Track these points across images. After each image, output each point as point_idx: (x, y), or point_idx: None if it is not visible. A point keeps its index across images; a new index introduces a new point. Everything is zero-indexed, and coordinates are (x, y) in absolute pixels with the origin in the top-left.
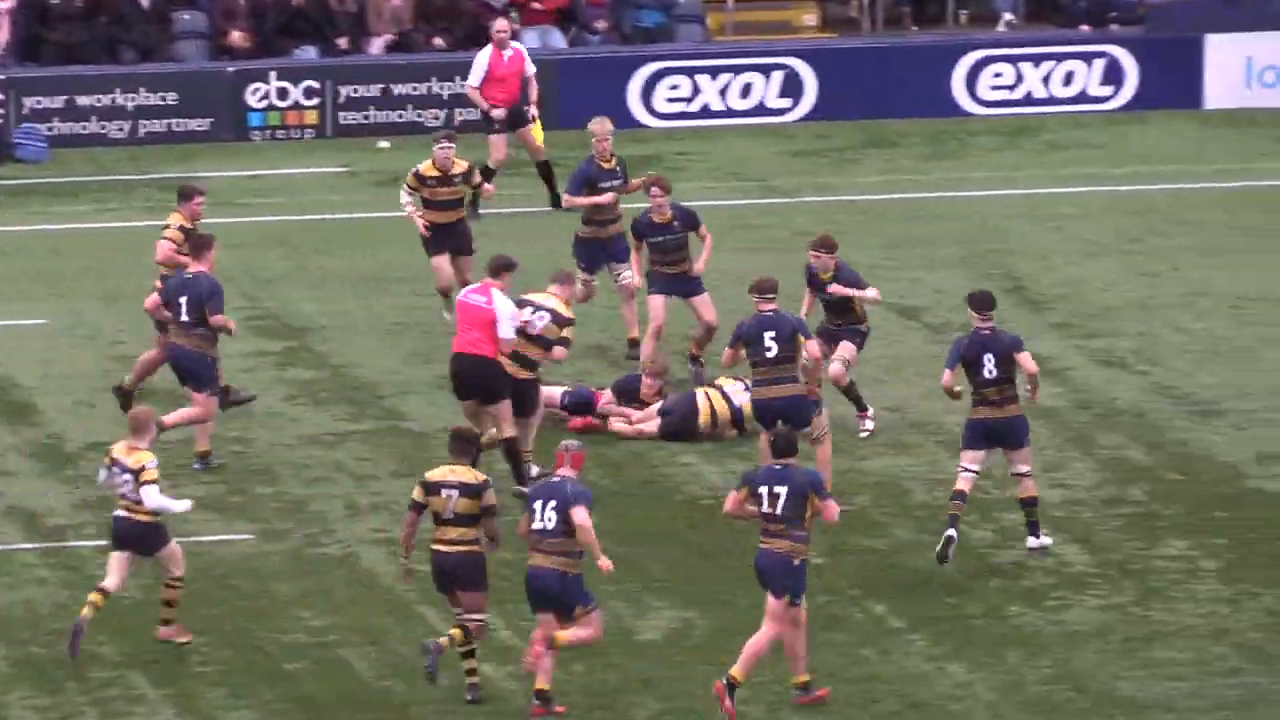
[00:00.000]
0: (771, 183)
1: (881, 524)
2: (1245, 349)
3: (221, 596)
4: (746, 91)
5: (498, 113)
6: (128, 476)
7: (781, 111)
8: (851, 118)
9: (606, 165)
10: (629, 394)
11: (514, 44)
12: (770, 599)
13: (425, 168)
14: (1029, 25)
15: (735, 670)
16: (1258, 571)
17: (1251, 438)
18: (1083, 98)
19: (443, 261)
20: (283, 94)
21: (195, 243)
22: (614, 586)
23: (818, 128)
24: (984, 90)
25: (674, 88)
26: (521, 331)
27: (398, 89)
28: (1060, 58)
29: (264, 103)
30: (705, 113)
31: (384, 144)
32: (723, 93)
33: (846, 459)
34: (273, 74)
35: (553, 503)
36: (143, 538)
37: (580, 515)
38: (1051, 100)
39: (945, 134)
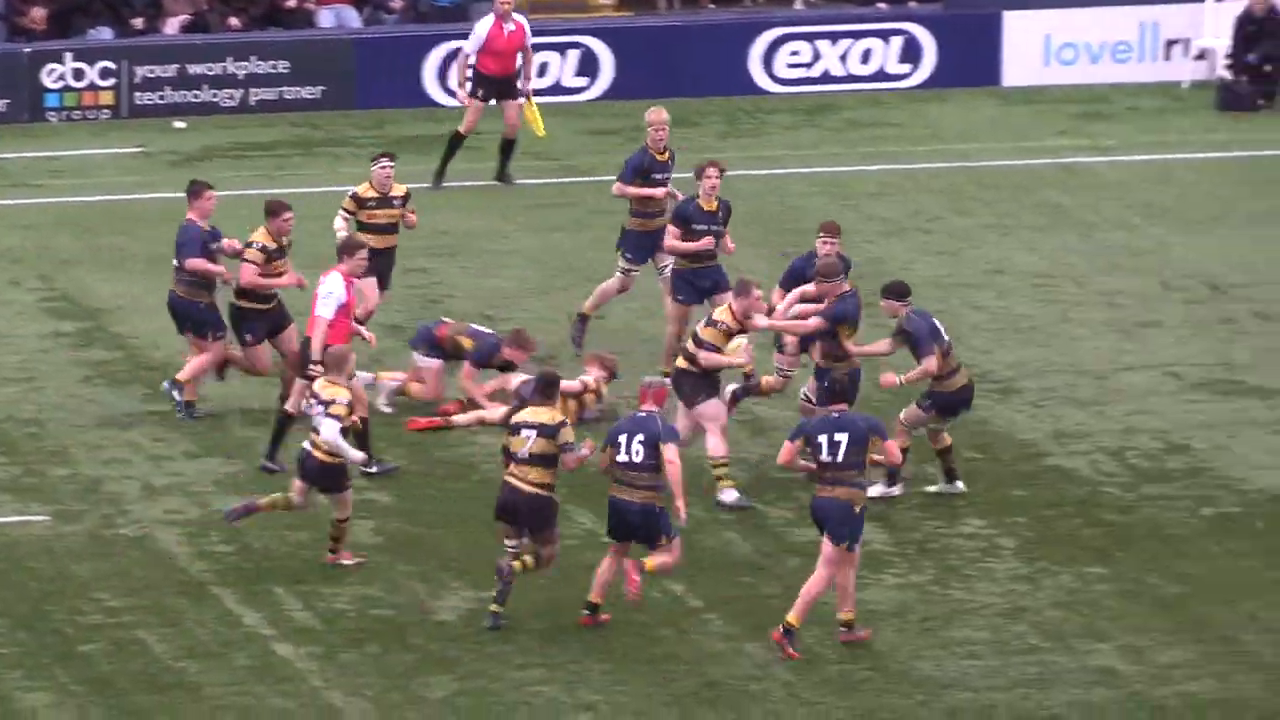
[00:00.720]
0: (568, 162)
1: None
2: (1044, 327)
3: (17, 578)
4: (543, 71)
5: (463, 91)
6: (319, 408)
7: (578, 90)
8: (649, 96)
9: (661, 157)
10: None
11: (516, 17)
12: (826, 544)
13: (363, 190)
14: (826, 3)
15: (791, 616)
16: (1056, 550)
17: (1050, 415)
18: (881, 76)
19: (369, 286)
20: (78, 75)
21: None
22: (411, 567)
23: (615, 107)
24: (781, 69)
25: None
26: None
27: (194, 69)
28: (858, 35)
29: (60, 84)
30: None
31: (180, 124)
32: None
33: None
34: (68, 55)
35: (640, 436)
36: (323, 475)
37: (671, 452)
38: (850, 78)
39: (743, 112)
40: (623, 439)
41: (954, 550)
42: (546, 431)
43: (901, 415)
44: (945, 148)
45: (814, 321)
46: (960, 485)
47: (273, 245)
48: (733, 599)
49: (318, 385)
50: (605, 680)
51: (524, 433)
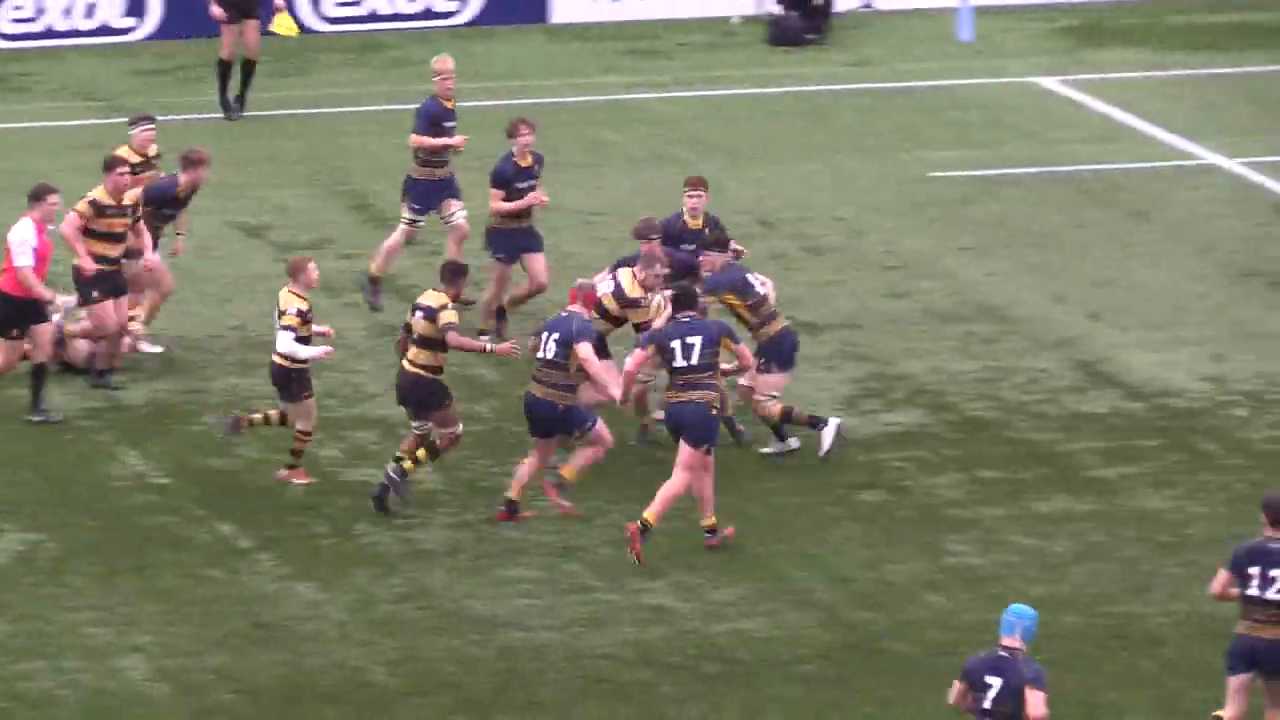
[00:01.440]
0: (118, 103)
1: (227, 444)
2: (591, 264)
3: None
4: (91, 11)
5: (216, 10)
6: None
7: (126, 30)
8: (197, 36)
9: (449, 104)
10: None
11: None
12: (684, 449)
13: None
14: None
15: (649, 513)
16: (608, 488)
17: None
18: (429, 14)
19: None
20: None
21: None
22: None
23: (163, 46)
24: (329, 7)
25: (18, 7)
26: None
27: None
28: None
29: None
30: (50, 33)
31: None
32: (67, 12)
33: (193, 379)
34: None
35: (556, 334)
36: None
37: (584, 350)
38: (397, 16)
39: (290, 51)
40: (544, 335)
41: (505, 489)
42: (429, 314)
43: (744, 384)
44: (494, 85)
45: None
46: (794, 443)
47: (109, 202)
48: (283, 539)
49: (281, 293)
50: (156, 621)
51: (416, 314)
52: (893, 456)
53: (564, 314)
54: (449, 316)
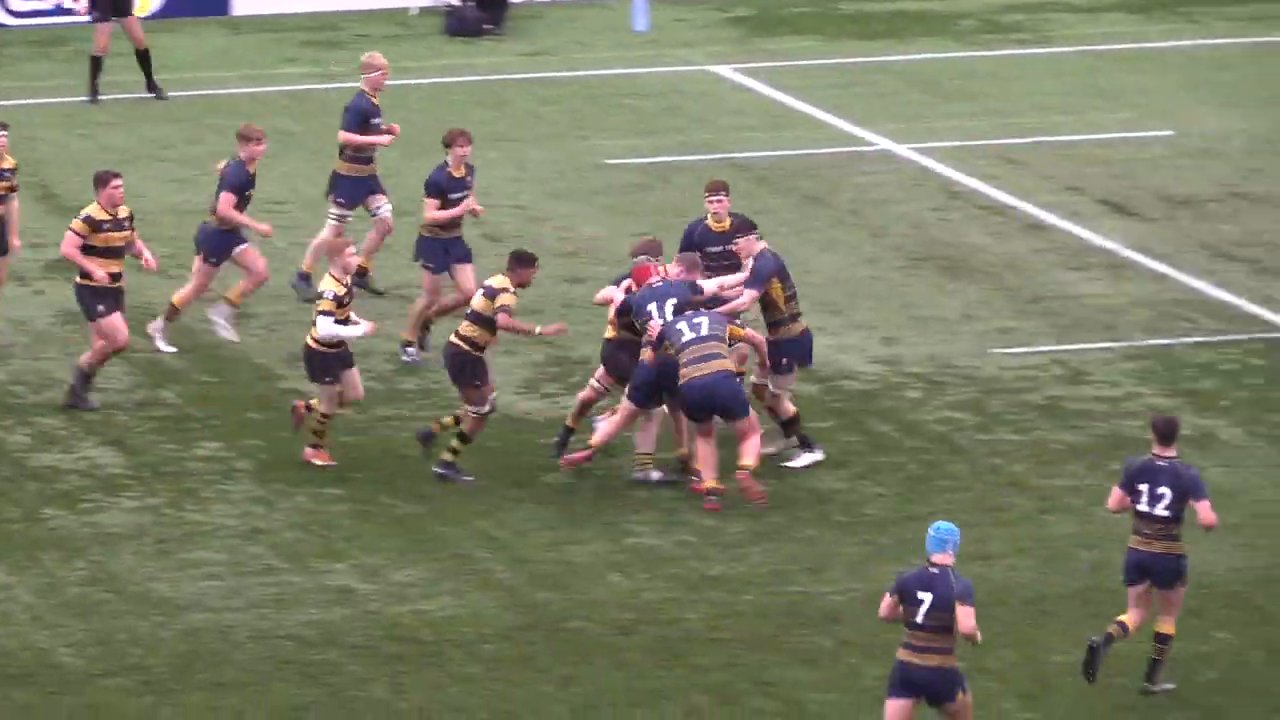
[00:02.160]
0: None
1: None
2: (279, 252)
3: None
4: None
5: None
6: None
7: None
8: None
9: (378, 101)
10: None
11: None
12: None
13: None
14: None
15: (710, 482)
16: (292, 472)
17: (283, 339)
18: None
19: None
20: None
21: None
22: None
23: None
24: (16, 1)
25: None
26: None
27: None
28: None
29: None
30: None
31: None
32: None
33: None
34: None
35: (672, 300)
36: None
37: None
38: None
39: None
40: (652, 307)
41: (190, 473)
42: (489, 292)
43: (756, 381)
44: (175, 77)
45: (748, 295)
46: (819, 454)
47: (104, 217)
48: None
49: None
50: None
51: (479, 292)
52: (574, 439)
53: (662, 283)
54: (505, 299)
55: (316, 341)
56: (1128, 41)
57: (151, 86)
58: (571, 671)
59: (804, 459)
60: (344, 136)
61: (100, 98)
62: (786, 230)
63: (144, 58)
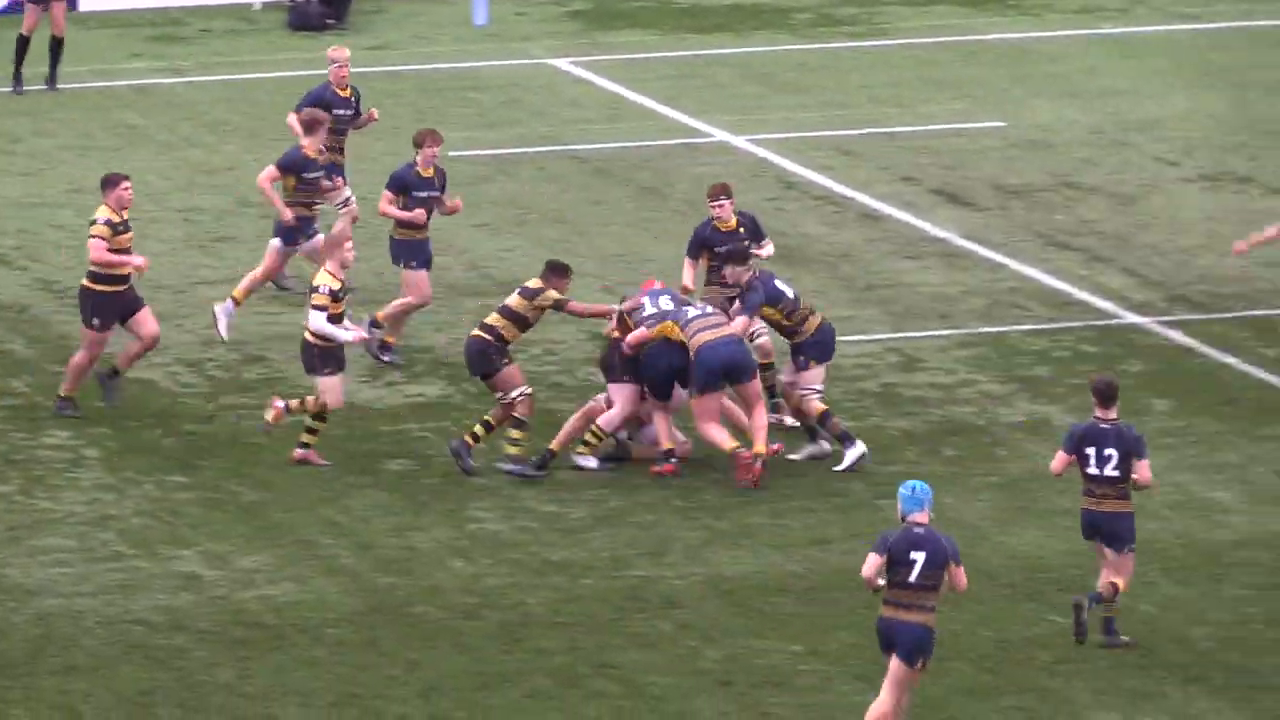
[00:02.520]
0: None
1: None
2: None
3: None
4: None
5: None
6: None
7: None
8: None
9: (344, 93)
10: None
11: None
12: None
13: None
14: None
15: (759, 446)
16: (140, 459)
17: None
18: None
19: None
20: None
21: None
22: None
23: None
24: None
25: None
26: None
27: None
28: None
29: None
30: None
31: None
32: None
33: None
34: None
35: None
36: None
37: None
38: None
39: None
40: (645, 299)
41: (39, 461)
42: (526, 293)
43: (786, 380)
44: (27, 71)
45: (740, 323)
46: (826, 446)
47: (117, 219)
48: None
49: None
50: None
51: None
52: (416, 427)
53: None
54: (554, 295)
55: (315, 335)
56: (959, 34)
57: (52, 79)
58: (415, 655)
59: (849, 457)
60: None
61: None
62: (624, 221)
63: (57, 47)
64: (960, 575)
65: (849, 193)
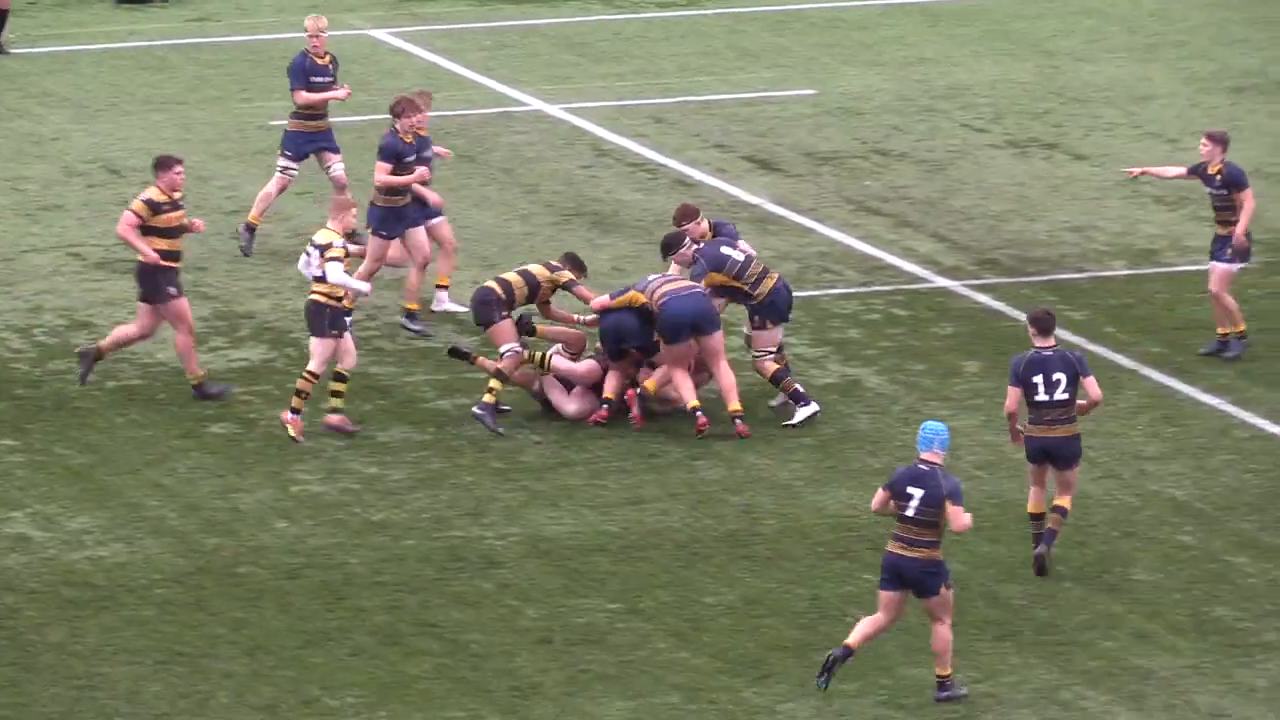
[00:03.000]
0: None
1: None
2: None
3: None
4: None
5: None
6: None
7: None
8: None
9: (321, 60)
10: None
11: None
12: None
13: None
14: None
15: (735, 405)
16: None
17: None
18: None
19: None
20: None
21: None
22: None
23: None
24: None
25: None
26: None
27: None
28: None
29: None
30: None
31: None
32: None
33: None
34: None
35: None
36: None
37: None
38: None
39: None
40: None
41: None
42: (553, 268)
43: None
44: None
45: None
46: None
47: (164, 199)
48: None
49: (318, 234)
50: None
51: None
52: (240, 390)
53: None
54: (569, 275)
55: (324, 294)
56: (770, 4)
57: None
58: (242, 614)
59: (799, 414)
60: (300, 97)
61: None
62: (443, 187)
63: (1, 16)
64: (957, 515)
65: (662, 160)
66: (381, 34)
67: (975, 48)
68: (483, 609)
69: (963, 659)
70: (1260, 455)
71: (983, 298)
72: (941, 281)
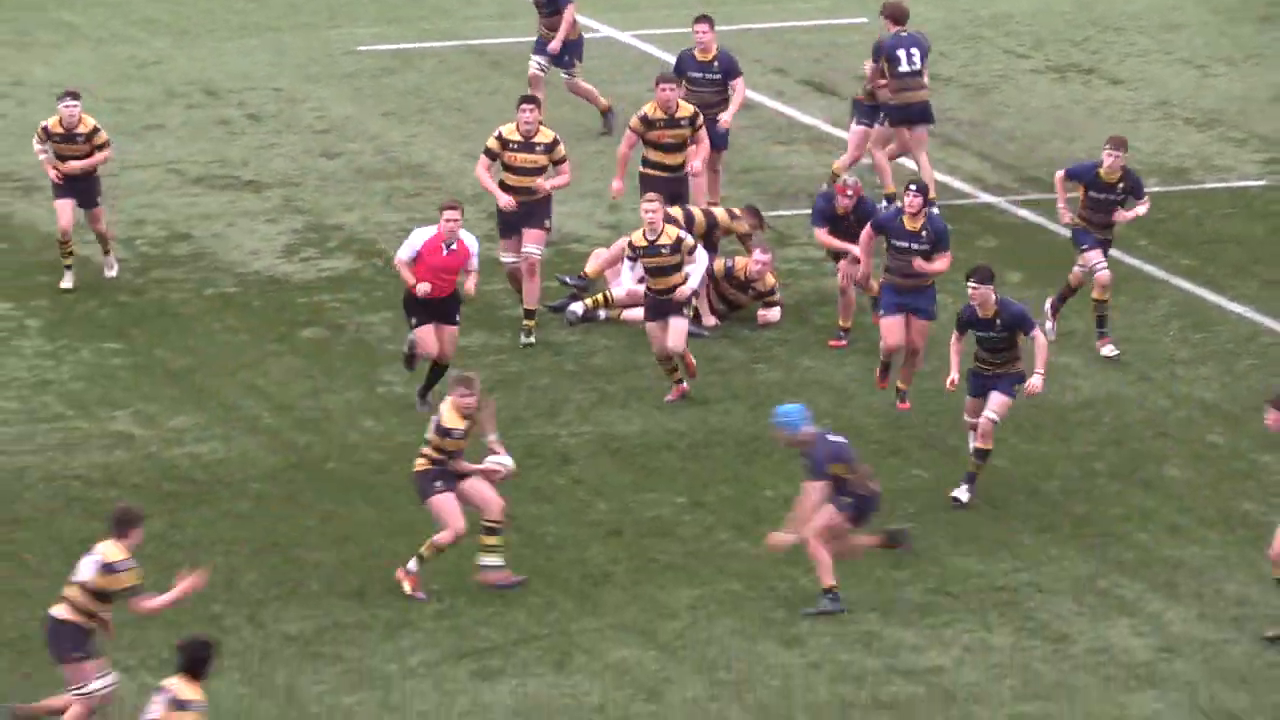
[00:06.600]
0: None
1: None
2: None
3: None
4: None
5: None
6: None
7: None
8: None
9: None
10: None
11: None
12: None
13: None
14: None
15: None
16: (77, 329)
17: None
18: None
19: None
20: None
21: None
22: None
23: None
24: None
25: None
26: None
27: None
28: None
29: None
30: None
31: None
32: None
33: None
34: None
35: None
36: None
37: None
38: None
39: None
40: None
41: None
42: (731, 213)
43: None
44: None
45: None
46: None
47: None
48: None
49: None
50: None
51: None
52: (330, 299)
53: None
54: (745, 227)
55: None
56: None
57: None
58: (331, 507)
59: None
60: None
61: None
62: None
63: None
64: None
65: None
66: None
67: None
68: (557, 502)
69: (1007, 549)
70: None
71: (1024, 212)
72: (986, 197)
